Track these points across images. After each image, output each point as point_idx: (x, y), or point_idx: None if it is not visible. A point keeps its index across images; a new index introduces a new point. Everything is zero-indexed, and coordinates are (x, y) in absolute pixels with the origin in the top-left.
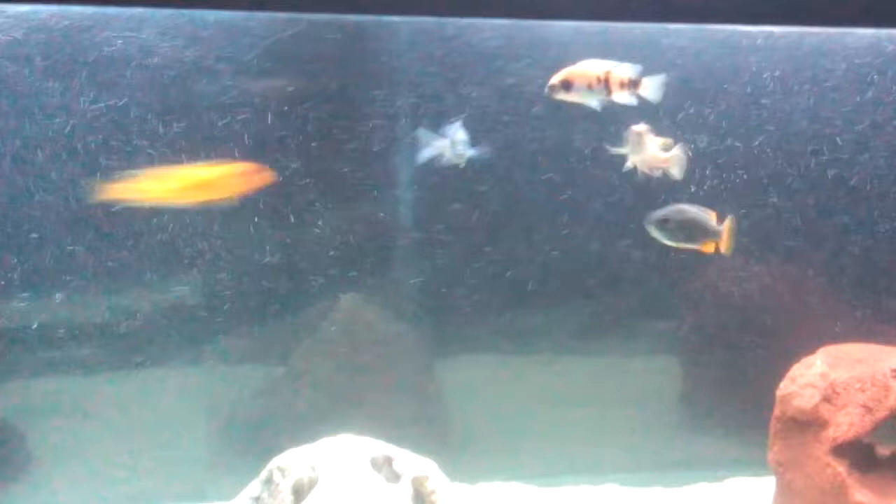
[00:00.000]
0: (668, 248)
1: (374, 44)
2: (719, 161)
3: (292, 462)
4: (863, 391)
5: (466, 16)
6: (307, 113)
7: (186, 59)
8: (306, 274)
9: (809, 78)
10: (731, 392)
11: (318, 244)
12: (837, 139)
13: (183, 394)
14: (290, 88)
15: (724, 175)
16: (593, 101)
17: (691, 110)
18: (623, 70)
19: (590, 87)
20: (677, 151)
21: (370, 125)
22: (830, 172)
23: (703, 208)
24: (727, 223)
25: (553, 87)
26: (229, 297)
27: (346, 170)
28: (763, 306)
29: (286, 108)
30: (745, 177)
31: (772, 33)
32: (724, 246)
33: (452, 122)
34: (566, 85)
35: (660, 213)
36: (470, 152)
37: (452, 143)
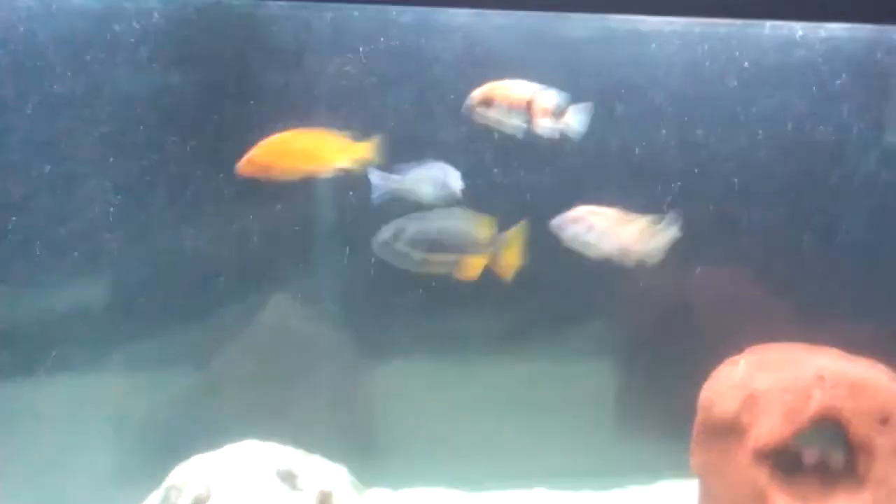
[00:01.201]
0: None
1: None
2: (642, 158)
3: (189, 477)
4: (785, 396)
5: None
6: (226, 107)
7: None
8: (228, 275)
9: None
10: (664, 395)
11: (241, 244)
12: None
13: (91, 401)
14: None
15: (651, 174)
16: (512, 126)
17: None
18: (548, 97)
19: (511, 109)
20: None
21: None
22: (758, 170)
23: (471, 213)
24: (508, 234)
25: (473, 103)
26: (143, 299)
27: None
28: (696, 307)
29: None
30: (672, 174)
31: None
32: (503, 264)
33: (414, 162)
34: (487, 101)
35: (388, 228)
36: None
37: (415, 185)
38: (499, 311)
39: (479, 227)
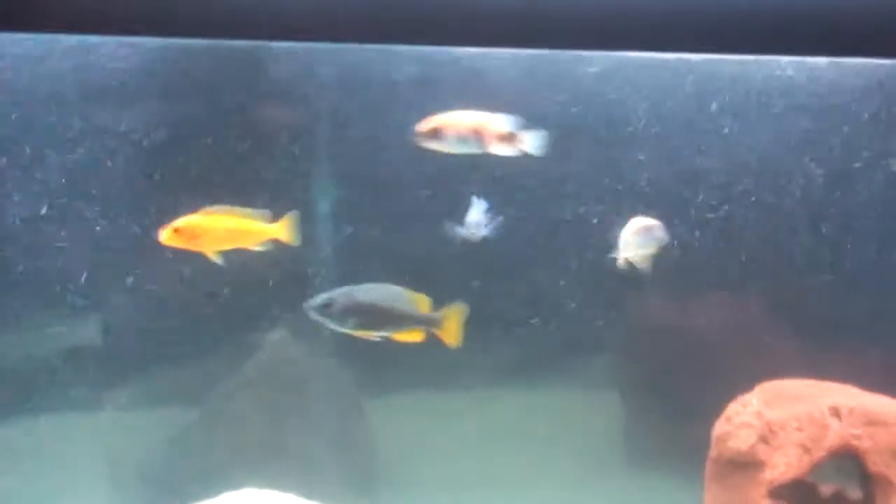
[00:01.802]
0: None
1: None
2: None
3: None
4: (800, 430)
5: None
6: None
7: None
8: (227, 309)
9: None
10: (673, 429)
11: (241, 278)
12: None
13: (87, 440)
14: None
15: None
16: (467, 150)
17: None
18: (498, 123)
19: (460, 138)
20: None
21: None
22: (767, 199)
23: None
24: (444, 313)
25: (420, 135)
26: (139, 335)
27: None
28: (705, 340)
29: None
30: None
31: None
32: (444, 337)
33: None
34: (436, 134)
35: (325, 296)
36: (484, 232)
37: (470, 226)
38: (502, 343)
39: (411, 305)
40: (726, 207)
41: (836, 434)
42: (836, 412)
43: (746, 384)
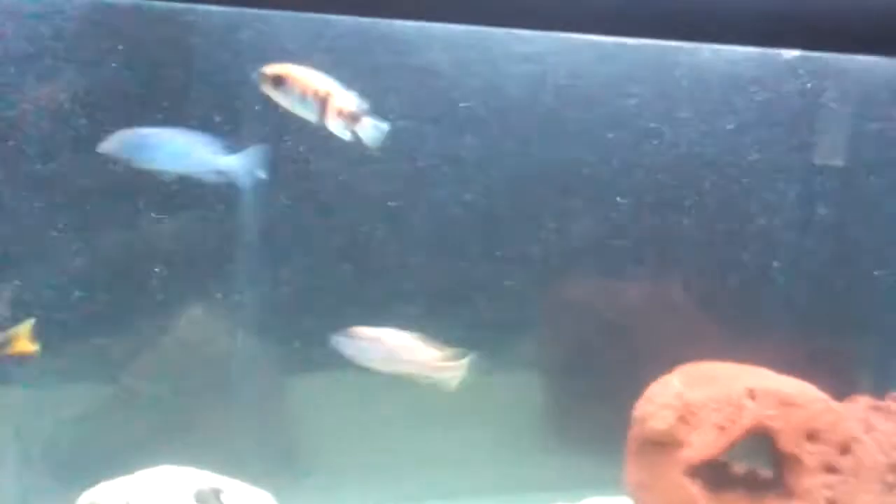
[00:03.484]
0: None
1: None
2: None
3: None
4: (718, 411)
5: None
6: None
7: None
8: (143, 283)
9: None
10: (593, 410)
11: (158, 251)
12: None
13: None
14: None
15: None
16: (303, 113)
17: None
18: (347, 98)
19: (303, 97)
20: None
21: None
22: (692, 182)
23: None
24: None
25: (263, 78)
26: (51, 309)
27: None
28: (626, 321)
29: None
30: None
31: None
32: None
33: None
34: (278, 81)
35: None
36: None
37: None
38: (431, 321)
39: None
40: (651, 194)
41: (751, 414)
42: (751, 394)
43: (665, 366)
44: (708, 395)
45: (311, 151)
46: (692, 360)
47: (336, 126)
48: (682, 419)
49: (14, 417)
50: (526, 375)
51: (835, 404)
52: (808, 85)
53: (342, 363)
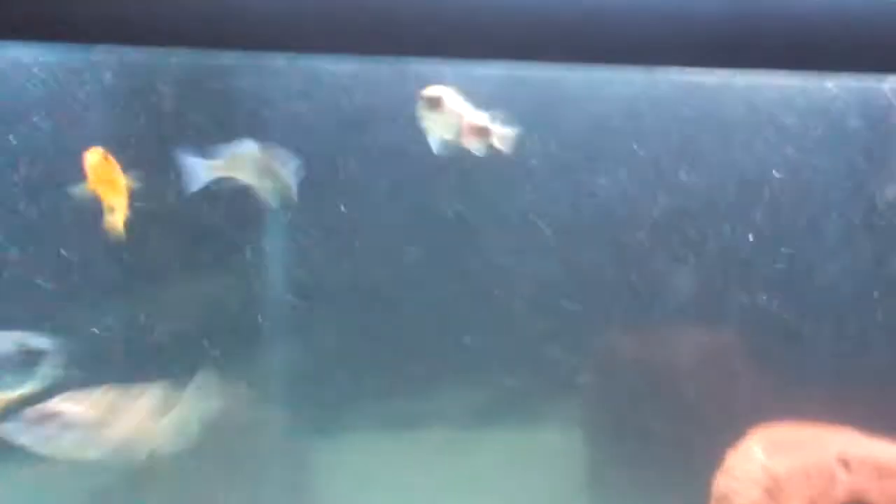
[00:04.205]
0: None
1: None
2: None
3: None
4: (808, 483)
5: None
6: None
7: None
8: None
9: None
10: (646, 477)
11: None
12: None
13: None
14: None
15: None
16: (446, 135)
17: None
18: (477, 114)
19: (452, 120)
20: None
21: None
22: (740, 233)
23: None
24: None
25: (423, 99)
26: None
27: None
28: (679, 378)
29: None
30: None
31: None
32: None
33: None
34: (438, 104)
35: None
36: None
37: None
38: (469, 385)
39: None
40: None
41: (846, 487)
42: (844, 462)
43: (726, 427)
44: (796, 465)
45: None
46: (763, 419)
47: (472, 144)
48: (770, 493)
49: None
50: (570, 437)
51: None
52: None
53: (377, 429)
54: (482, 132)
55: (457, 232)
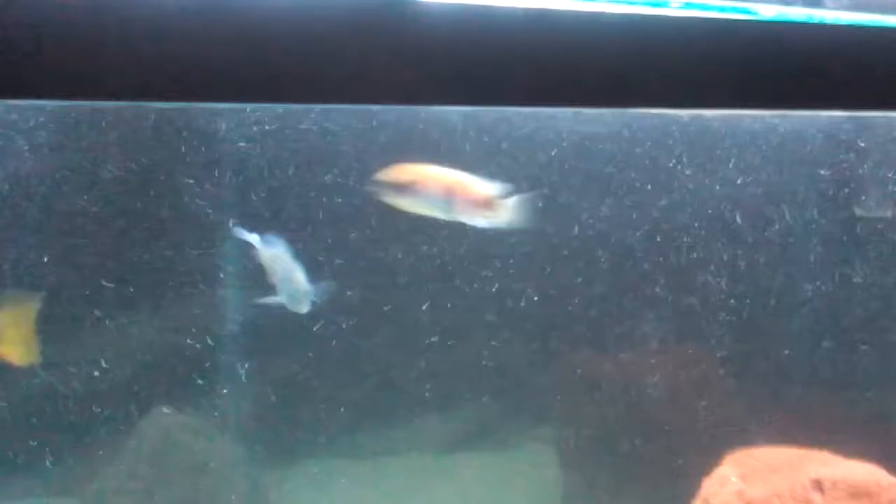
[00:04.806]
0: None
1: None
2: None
3: None
4: None
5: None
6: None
7: None
8: (105, 388)
9: None
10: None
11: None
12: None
13: None
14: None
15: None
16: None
17: None
18: (476, 184)
19: (432, 198)
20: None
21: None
22: (714, 252)
23: None
24: None
25: (385, 185)
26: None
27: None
28: (651, 401)
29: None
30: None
31: None
32: None
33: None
34: (406, 188)
35: None
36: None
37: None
38: (444, 415)
39: None
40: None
41: None
42: (818, 485)
43: (702, 449)
44: (770, 489)
45: None
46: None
47: (472, 218)
48: None
49: None
50: (551, 465)
51: None
52: None
53: (346, 458)
54: (484, 203)
55: (431, 265)
